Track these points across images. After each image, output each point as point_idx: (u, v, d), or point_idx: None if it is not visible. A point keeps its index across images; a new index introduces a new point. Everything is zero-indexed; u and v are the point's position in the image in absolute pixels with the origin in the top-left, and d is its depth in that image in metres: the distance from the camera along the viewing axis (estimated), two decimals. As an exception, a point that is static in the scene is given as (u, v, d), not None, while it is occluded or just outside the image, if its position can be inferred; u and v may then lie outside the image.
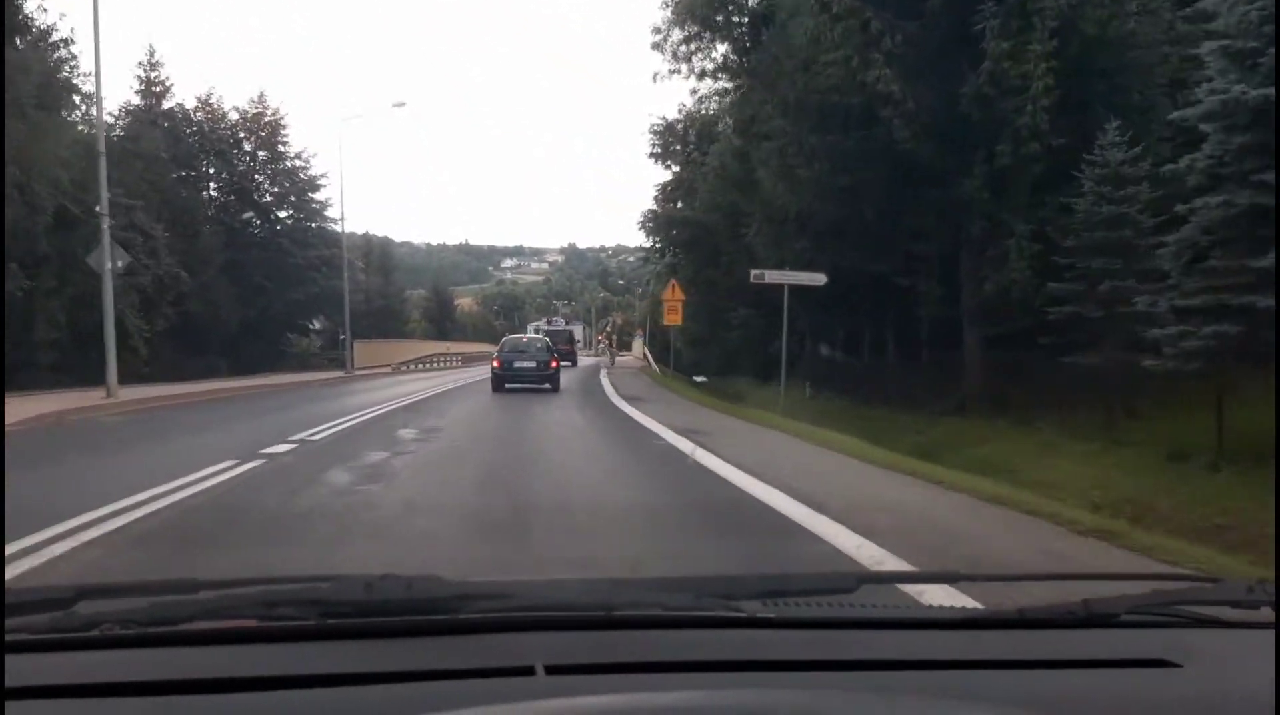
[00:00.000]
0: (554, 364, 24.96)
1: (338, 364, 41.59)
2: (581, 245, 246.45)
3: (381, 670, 1.27)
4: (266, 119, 46.45)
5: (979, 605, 2.18)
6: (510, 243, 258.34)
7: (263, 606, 1.44)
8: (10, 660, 1.21)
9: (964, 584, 3.00)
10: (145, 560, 5.49)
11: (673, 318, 32.40)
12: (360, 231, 70.86)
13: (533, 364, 24.60)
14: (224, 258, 41.28)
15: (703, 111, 49.63)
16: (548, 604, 1.52)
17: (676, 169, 48.46)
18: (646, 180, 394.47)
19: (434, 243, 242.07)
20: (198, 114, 45.22)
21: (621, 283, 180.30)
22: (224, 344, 40.47)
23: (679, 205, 47.68)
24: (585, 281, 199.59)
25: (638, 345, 71.60)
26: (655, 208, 52.41)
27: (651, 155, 50.83)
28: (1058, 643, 1.52)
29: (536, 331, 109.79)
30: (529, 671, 1.29)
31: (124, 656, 1.33)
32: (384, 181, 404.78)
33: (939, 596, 3.23)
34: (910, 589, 3.44)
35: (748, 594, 1.58)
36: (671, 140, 50.93)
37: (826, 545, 5.72)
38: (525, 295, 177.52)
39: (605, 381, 30.36)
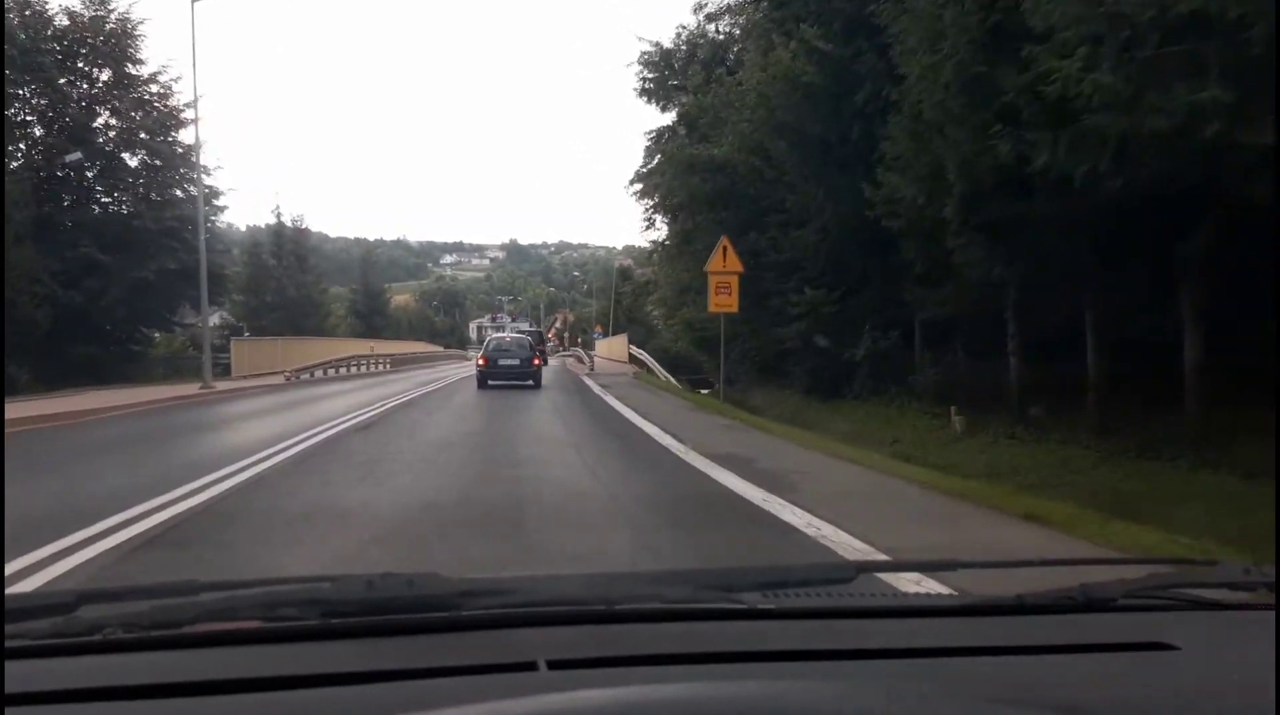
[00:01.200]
0: (536, 362, 26.30)
1: (221, 371, 27.85)
2: (523, 242, 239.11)
3: (384, 668, 1.24)
4: (110, 25, 32.22)
5: (977, 593, 1.99)
6: (450, 238, 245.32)
7: (265, 608, 1.41)
8: (12, 666, 1.20)
9: (962, 571, 2.44)
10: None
11: (724, 302, 19.36)
12: (279, 217, 56.20)
13: (516, 362, 25.89)
14: (32, 215, 27.08)
15: (712, 33, 36.73)
16: (548, 599, 1.49)
17: (678, 106, 35.23)
18: (591, 175, 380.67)
19: (371, 238, 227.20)
20: (11, 17, 30.90)
21: (577, 274, 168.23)
22: (31, 344, 26.28)
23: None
24: (528, 278, 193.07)
25: (607, 345, 58.60)
26: (644, 167, 39.24)
27: (642, 93, 37.75)
28: (1056, 628, 1.49)
29: (479, 329, 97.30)
30: (531, 667, 1.26)
31: (127, 660, 1.30)
32: (318, 175, 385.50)
33: (937, 585, 3.02)
34: (908, 577, 3.12)
35: (747, 586, 1.56)
36: (669, 74, 37.82)
37: None
38: (466, 291, 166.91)
39: (632, 415, 17.20)
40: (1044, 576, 1.78)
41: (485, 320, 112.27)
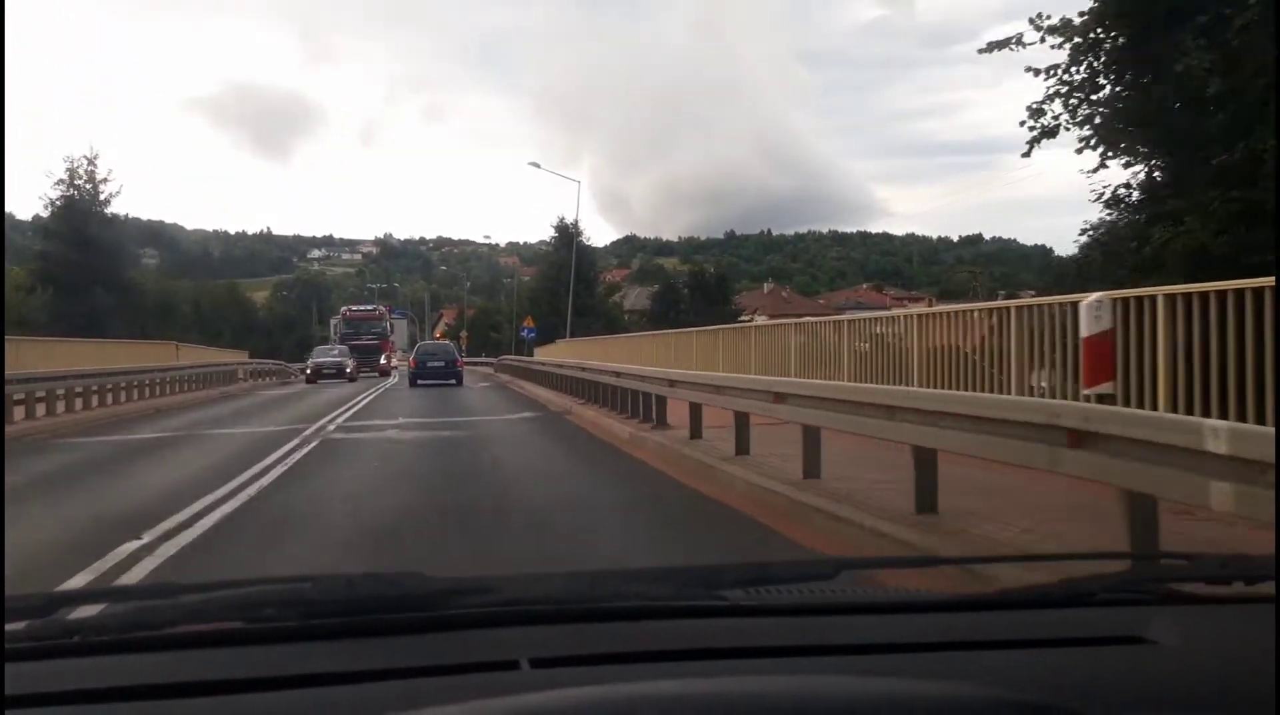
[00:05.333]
0: (459, 364, 32.53)
1: None
2: (399, 236, 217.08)
3: (366, 668, 1.21)
4: None
5: (959, 588, 2.00)
6: (319, 232, 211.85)
7: (245, 608, 1.37)
8: None
9: (944, 566, 2.79)
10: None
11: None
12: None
13: (441, 364, 31.34)
14: None
15: None
16: (531, 598, 1.45)
17: None
18: (470, 169, 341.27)
19: (232, 231, 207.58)
20: None
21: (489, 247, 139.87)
22: None
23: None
24: (405, 274, 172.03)
25: (582, 348, 23.94)
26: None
27: None
28: (1037, 622, 1.46)
29: (336, 327, 52.89)
30: (514, 665, 1.23)
31: (105, 663, 1.25)
32: (169, 163, 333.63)
33: (919, 580, 2.84)
34: (890, 573, 2.74)
35: (729, 583, 1.54)
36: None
37: None
38: (334, 286, 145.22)
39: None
40: (1026, 571, 1.86)
41: (337, 318, 71.46)
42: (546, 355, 32.58)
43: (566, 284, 41.32)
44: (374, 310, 52.29)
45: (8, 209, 34.76)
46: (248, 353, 41.14)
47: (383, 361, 44.96)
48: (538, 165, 38.90)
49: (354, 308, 53.18)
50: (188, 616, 1.34)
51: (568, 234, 50.20)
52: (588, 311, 47.17)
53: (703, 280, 61.74)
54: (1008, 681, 1.15)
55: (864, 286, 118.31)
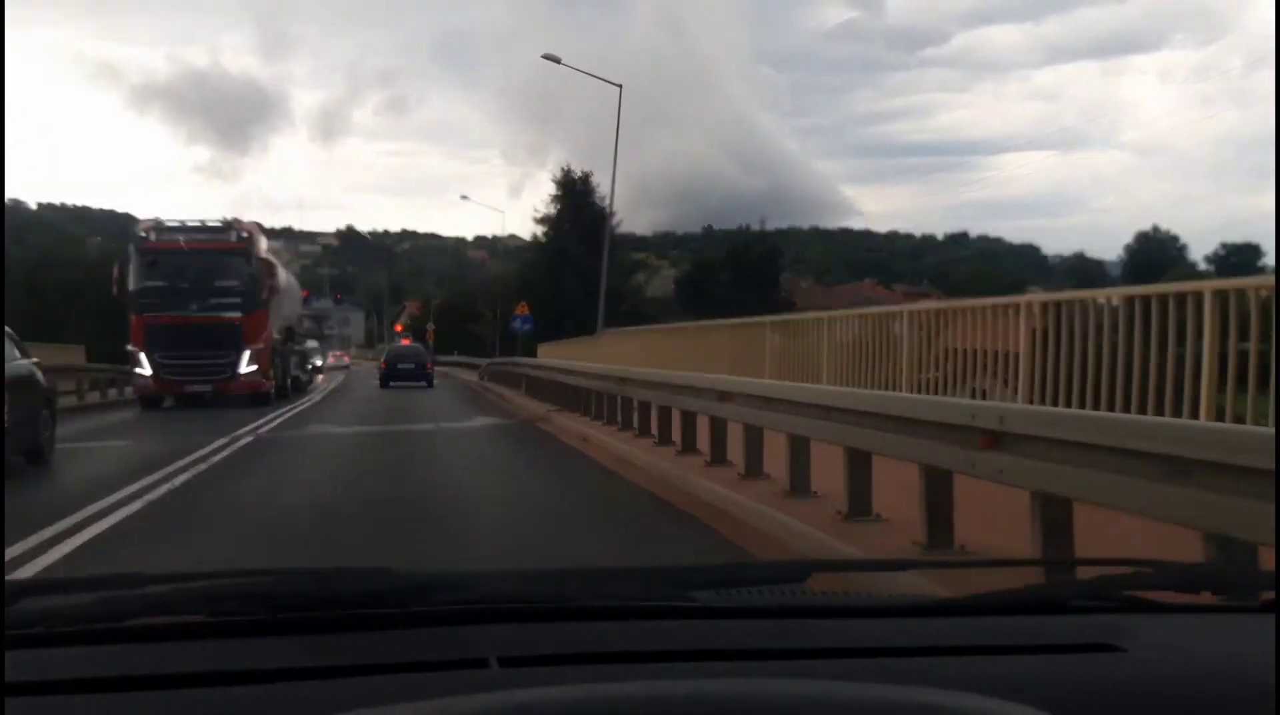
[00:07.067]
0: (429, 367, 31.44)
1: None
2: (361, 227, 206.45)
3: (331, 664, 1.18)
4: None
5: (930, 593, 1.95)
6: (278, 224, 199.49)
7: (210, 601, 1.34)
8: None
9: (915, 571, 2.73)
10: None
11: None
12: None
13: (412, 366, 30.69)
14: None
15: None
16: (501, 596, 1.43)
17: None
18: (436, 161, 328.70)
19: (189, 222, 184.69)
20: None
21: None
22: None
23: None
24: (366, 266, 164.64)
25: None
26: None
27: None
28: (1008, 629, 1.45)
29: (135, 270, 21.40)
30: (482, 664, 1.20)
31: (69, 654, 1.23)
32: (123, 151, 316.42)
33: (891, 584, 2.71)
34: (862, 577, 2.73)
35: (701, 584, 1.52)
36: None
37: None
38: None
39: None
40: (998, 577, 1.74)
41: (151, 229, 29.70)
42: (555, 355, 20.16)
43: (572, 258, 28.77)
44: (222, 234, 21.62)
45: None
46: (84, 351, 26.64)
47: (244, 368, 20.35)
48: (558, 60, 26.10)
49: (168, 226, 21.72)
50: (152, 608, 1.31)
51: (576, 189, 36.67)
52: (609, 293, 33.84)
53: (745, 258, 49.39)
54: (978, 687, 1.12)
55: (867, 281, 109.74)
